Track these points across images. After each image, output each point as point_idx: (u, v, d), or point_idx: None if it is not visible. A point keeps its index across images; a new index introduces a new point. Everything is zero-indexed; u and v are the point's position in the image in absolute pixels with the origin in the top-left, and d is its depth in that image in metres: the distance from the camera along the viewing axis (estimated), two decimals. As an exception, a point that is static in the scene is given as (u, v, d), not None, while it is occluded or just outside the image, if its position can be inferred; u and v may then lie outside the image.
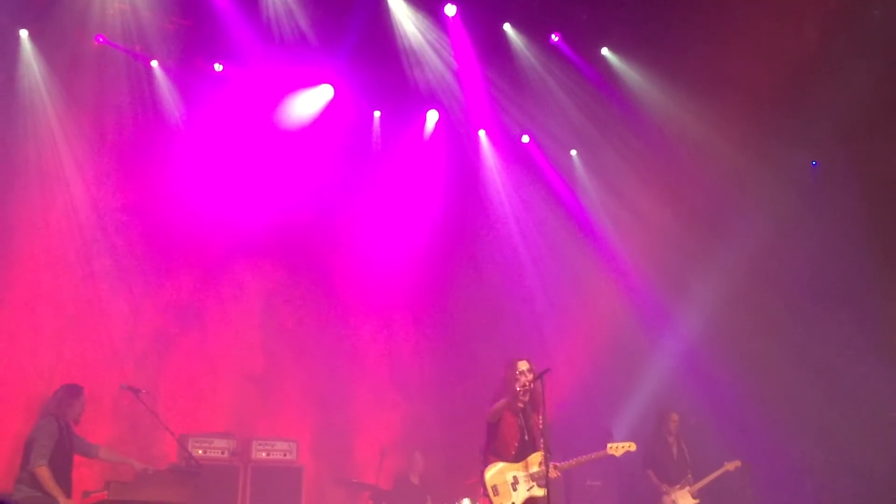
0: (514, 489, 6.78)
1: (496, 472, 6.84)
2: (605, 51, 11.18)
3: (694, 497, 9.60)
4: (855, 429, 10.08)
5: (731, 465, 9.71)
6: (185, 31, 9.92)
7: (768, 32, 9.89)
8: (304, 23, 10.00)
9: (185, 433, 9.00)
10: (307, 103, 10.88)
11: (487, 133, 12.00)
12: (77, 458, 7.53)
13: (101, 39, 9.51)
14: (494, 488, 6.79)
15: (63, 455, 7.27)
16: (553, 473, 6.78)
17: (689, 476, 9.68)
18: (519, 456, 6.89)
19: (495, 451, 6.95)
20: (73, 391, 7.53)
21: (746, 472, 9.83)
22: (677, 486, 9.58)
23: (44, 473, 6.99)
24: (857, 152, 10.54)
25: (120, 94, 9.78)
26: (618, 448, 7.31)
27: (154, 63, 10.01)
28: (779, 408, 10.59)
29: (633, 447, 7.36)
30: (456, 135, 11.74)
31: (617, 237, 11.93)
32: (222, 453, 9.17)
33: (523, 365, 7.05)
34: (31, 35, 9.35)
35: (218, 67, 10.30)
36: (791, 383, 10.59)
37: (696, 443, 10.02)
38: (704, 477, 9.69)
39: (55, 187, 9.43)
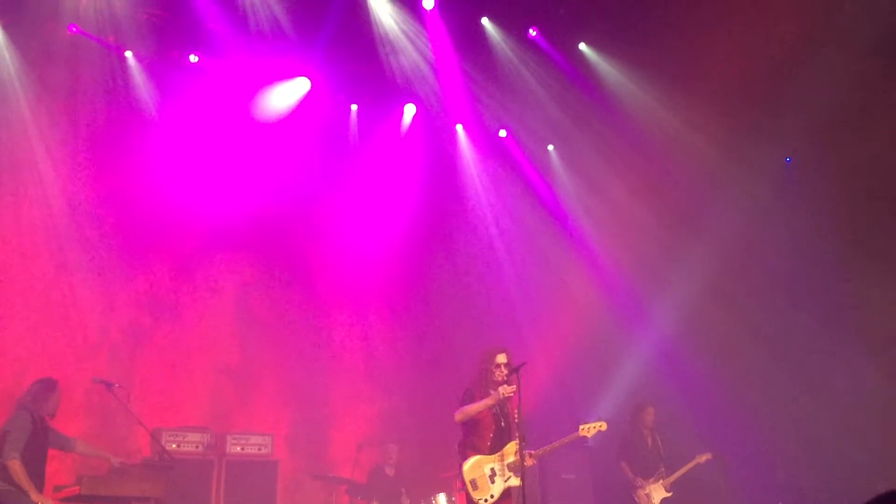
0: (492, 482, 6.79)
1: (473, 466, 6.84)
2: (582, 46, 11.22)
3: (667, 490, 9.68)
4: (828, 421, 10.19)
5: (701, 458, 9.80)
6: (160, 21, 9.81)
7: (745, 29, 9.97)
8: (280, 14, 9.94)
9: (159, 427, 8.93)
10: (284, 96, 10.82)
11: (465, 127, 12.00)
12: (49, 452, 7.44)
13: (74, 29, 9.40)
14: (473, 482, 6.79)
15: (37, 450, 7.18)
16: (528, 461, 6.80)
17: (663, 469, 9.75)
18: (494, 447, 6.89)
19: (472, 444, 6.95)
20: (47, 385, 7.42)
21: (719, 464, 9.92)
22: (651, 479, 9.65)
23: (16, 467, 6.89)
24: (831, 148, 10.64)
25: (94, 85, 9.68)
26: (589, 429, 7.29)
27: (128, 53, 9.91)
28: (751, 400, 10.72)
29: (603, 426, 7.33)
30: (433, 129, 11.74)
31: (593, 231, 11.99)
32: (196, 447, 9.10)
33: (501, 358, 7.03)
34: (2, 24, 9.22)
35: (193, 59, 10.22)
36: (764, 376, 10.71)
37: (669, 435, 10.09)
38: (677, 470, 9.77)
39: (27, 178, 9.32)
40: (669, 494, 9.66)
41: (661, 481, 9.67)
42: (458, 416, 6.96)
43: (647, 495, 9.58)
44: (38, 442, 7.21)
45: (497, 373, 6.99)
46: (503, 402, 7.00)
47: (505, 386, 6.86)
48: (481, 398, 6.95)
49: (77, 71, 9.56)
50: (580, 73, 11.25)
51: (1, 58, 9.21)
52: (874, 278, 10.11)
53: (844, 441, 10.08)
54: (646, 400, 10.16)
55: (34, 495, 6.91)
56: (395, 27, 10.51)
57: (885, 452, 9.56)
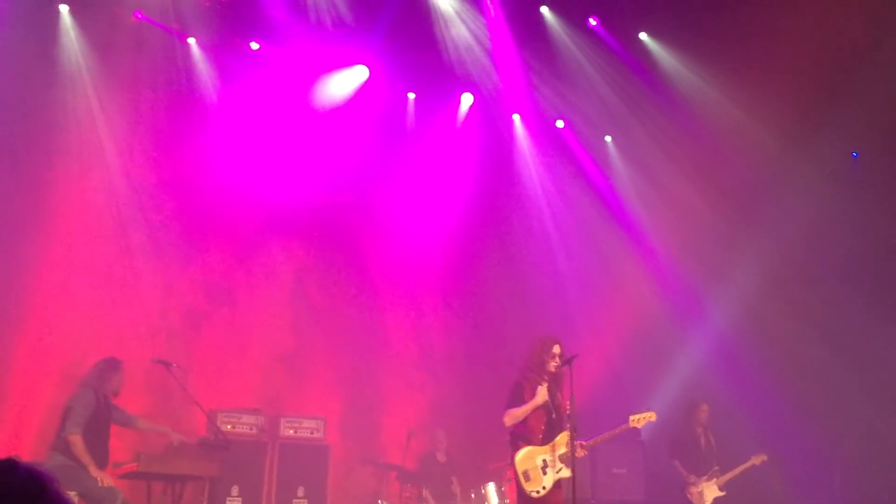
0: (544, 473, 6.77)
1: (525, 457, 6.82)
2: (643, 35, 11.06)
3: (721, 489, 9.52)
4: (891, 422, 9.92)
5: (757, 460, 9.60)
6: (223, 8, 9.96)
7: (810, 18, 9.72)
8: (340, 3, 9.99)
9: (215, 408, 9.08)
10: (342, 84, 10.88)
11: (522, 117, 11.93)
12: (111, 429, 7.62)
13: (139, 15, 9.58)
14: (525, 474, 6.77)
15: (100, 427, 7.35)
16: (580, 452, 6.77)
17: (717, 468, 9.59)
18: (546, 438, 6.87)
19: (523, 435, 6.93)
20: (112, 364, 7.61)
21: (775, 466, 9.73)
22: (704, 478, 9.50)
23: (77, 441, 7.08)
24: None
25: (157, 71, 9.86)
26: (639, 419, 7.23)
27: (191, 40, 10.07)
28: (810, 399, 10.46)
29: (653, 417, 7.27)
30: (490, 118, 11.70)
31: (650, 223, 11.83)
32: (251, 429, 9.24)
33: (556, 348, 7.01)
34: (71, 10, 9.44)
35: (254, 46, 10.34)
36: (824, 375, 10.45)
37: (724, 434, 9.92)
38: (731, 470, 9.60)
39: (92, 162, 9.52)
40: (723, 493, 9.49)
41: (714, 480, 9.51)
42: (507, 419, 6.95)
43: (700, 493, 9.43)
44: (101, 419, 7.39)
45: (551, 363, 6.96)
46: (553, 394, 6.98)
47: (543, 389, 6.86)
48: (532, 390, 6.94)
49: (141, 57, 9.74)
50: (640, 63, 11.11)
51: (68, 43, 9.42)
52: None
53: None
54: (700, 397, 9.99)
55: (93, 470, 7.08)
56: (453, 15, 10.49)
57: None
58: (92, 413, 7.25)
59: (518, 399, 6.96)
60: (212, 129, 10.17)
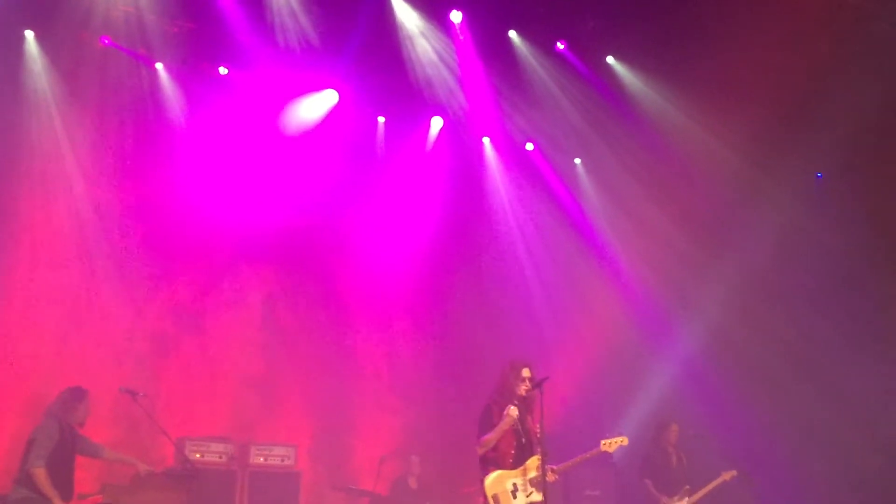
0: (514, 497, 6.75)
1: (495, 481, 6.80)
2: (610, 59, 11.18)
3: (693, 508, 9.56)
4: (858, 441, 10.04)
5: (727, 476, 9.65)
6: (190, 33, 9.94)
7: (776, 44, 9.86)
8: (309, 27, 10.00)
9: (183, 436, 8.97)
10: (312, 108, 10.89)
11: (492, 140, 12.00)
12: (77, 460, 7.49)
13: (106, 41, 9.54)
14: (495, 497, 6.75)
15: (64, 458, 7.21)
16: (550, 477, 6.74)
17: (687, 487, 9.62)
18: (517, 462, 6.86)
19: (493, 459, 6.91)
20: (76, 394, 7.45)
21: (745, 482, 9.78)
22: (676, 497, 9.53)
23: (40, 474, 6.95)
24: (862, 165, 10.53)
25: (124, 96, 9.84)
26: (611, 444, 7.22)
27: (159, 65, 10.03)
28: (779, 418, 10.57)
29: (625, 441, 7.27)
30: (460, 141, 11.75)
31: (619, 245, 11.92)
32: (220, 457, 9.14)
33: (526, 372, 7.00)
34: (36, 36, 9.39)
35: (223, 71, 10.33)
36: (791, 394, 10.57)
37: (694, 453, 9.97)
38: (702, 488, 9.64)
39: (58, 187, 9.48)
40: (695, 512, 9.54)
41: (685, 499, 9.54)
42: (481, 449, 6.91)
43: (672, 513, 9.47)
44: (66, 450, 7.25)
45: (521, 386, 6.95)
46: (523, 418, 6.96)
47: (513, 408, 6.84)
48: (501, 414, 6.92)
49: (108, 82, 9.70)
50: (608, 87, 11.22)
51: (34, 68, 9.38)
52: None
53: (875, 460, 9.92)
54: (670, 417, 10.04)
55: (57, 503, 6.96)
56: (422, 41, 10.54)
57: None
58: (56, 444, 7.12)
59: (488, 425, 6.94)
60: (180, 155, 10.13)
